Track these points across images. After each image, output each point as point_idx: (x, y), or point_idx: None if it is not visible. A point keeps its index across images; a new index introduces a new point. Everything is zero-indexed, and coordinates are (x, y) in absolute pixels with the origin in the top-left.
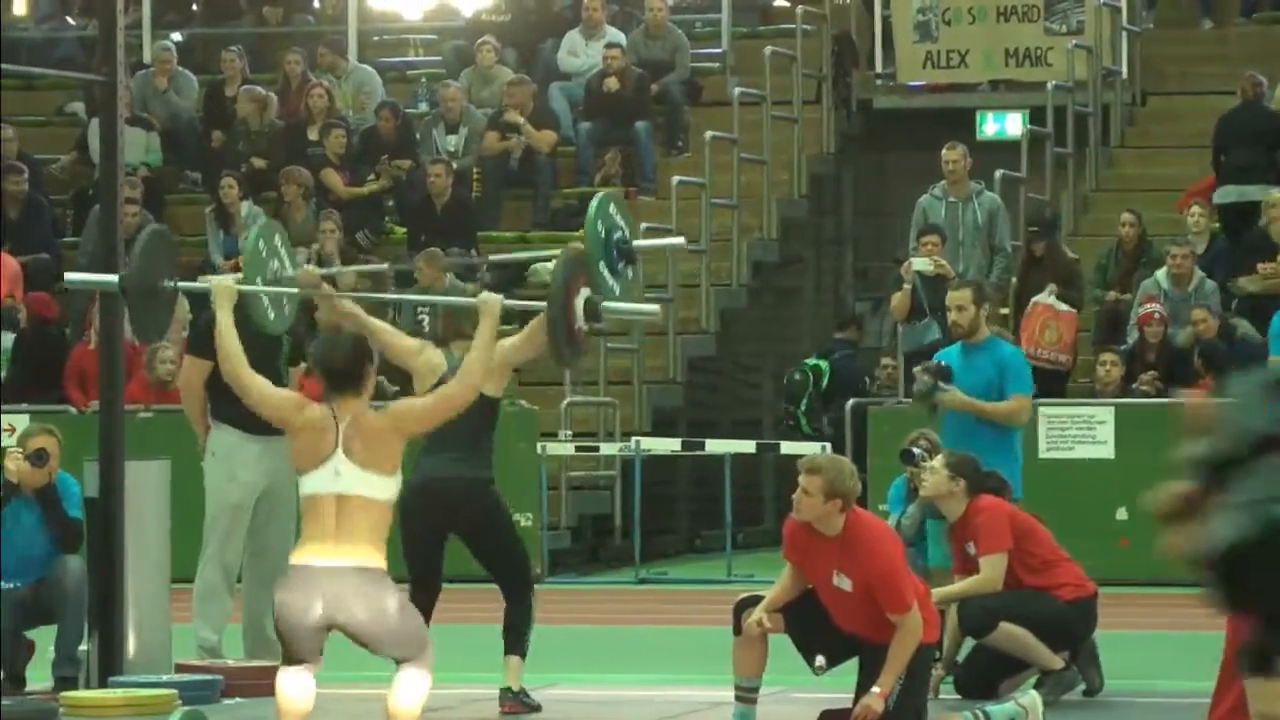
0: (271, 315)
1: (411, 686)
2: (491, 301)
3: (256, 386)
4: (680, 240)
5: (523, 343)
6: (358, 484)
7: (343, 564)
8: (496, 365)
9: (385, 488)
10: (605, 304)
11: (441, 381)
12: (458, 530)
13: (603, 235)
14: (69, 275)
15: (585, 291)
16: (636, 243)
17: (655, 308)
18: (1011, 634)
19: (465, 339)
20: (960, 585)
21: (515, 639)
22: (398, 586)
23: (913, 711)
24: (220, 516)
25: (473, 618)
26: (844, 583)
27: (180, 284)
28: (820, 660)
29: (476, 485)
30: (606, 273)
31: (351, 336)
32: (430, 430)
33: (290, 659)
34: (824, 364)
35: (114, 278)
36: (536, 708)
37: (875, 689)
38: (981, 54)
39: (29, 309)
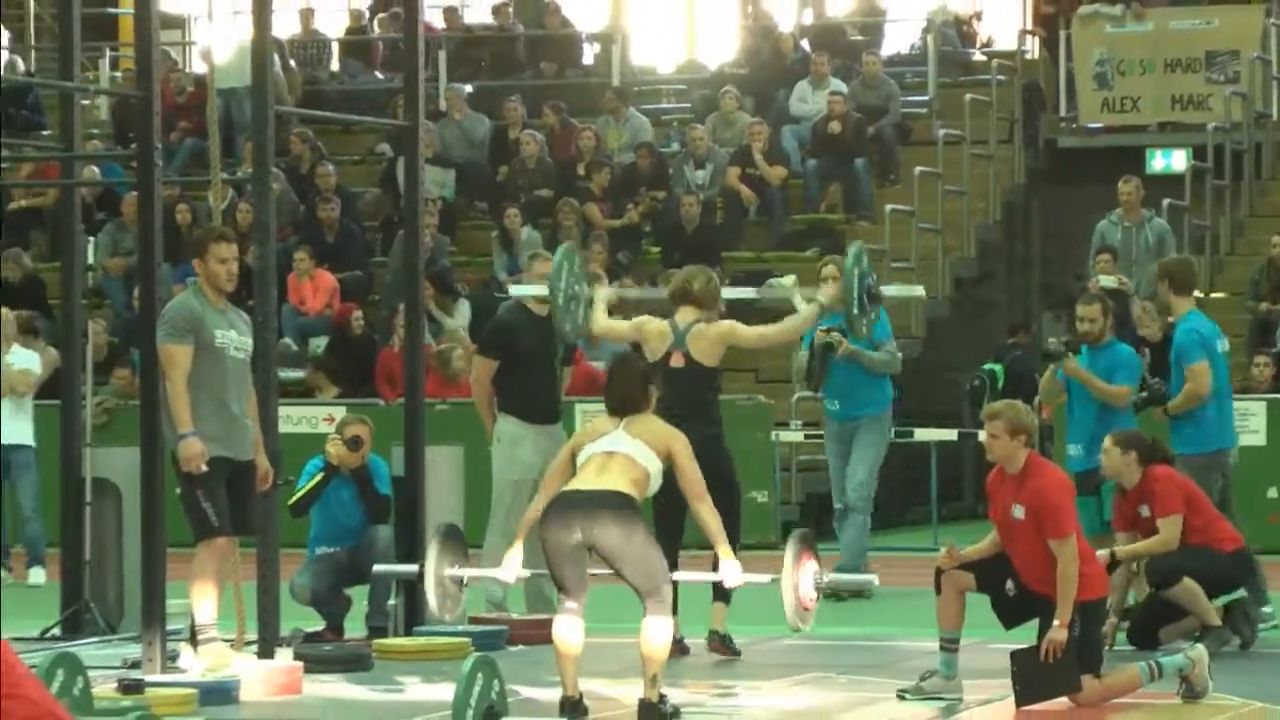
0: (568, 326)
1: (658, 630)
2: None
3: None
4: (920, 290)
5: (758, 340)
6: (628, 448)
7: (601, 489)
8: (724, 345)
9: (651, 460)
10: (829, 579)
11: (668, 355)
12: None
13: (856, 279)
14: (374, 571)
15: (812, 564)
16: (884, 288)
17: (874, 580)
18: (1189, 588)
19: (691, 304)
20: (1145, 544)
21: (722, 586)
22: (643, 523)
23: (1091, 658)
24: (504, 492)
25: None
26: (1018, 511)
27: (467, 572)
28: (1010, 586)
29: (708, 441)
30: (857, 310)
31: (640, 368)
32: (670, 397)
33: (560, 588)
34: (998, 368)
35: (413, 569)
36: (738, 653)
37: (1055, 622)
38: (1151, 100)
39: (344, 319)
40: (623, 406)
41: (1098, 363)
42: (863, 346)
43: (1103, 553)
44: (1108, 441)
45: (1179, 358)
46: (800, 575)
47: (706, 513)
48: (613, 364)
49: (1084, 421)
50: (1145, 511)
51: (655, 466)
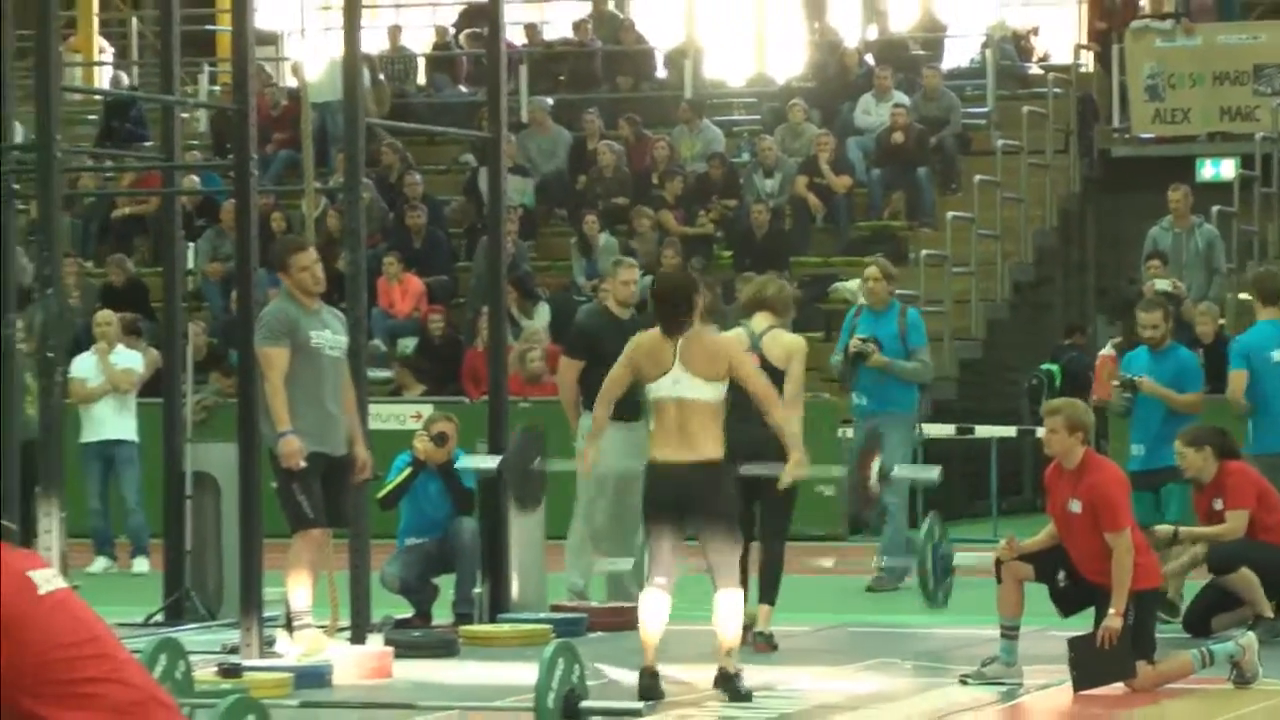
0: None
1: (730, 606)
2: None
3: (612, 373)
4: (934, 472)
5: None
6: (693, 389)
7: (690, 461)
8: (792, 358)
9: (716, 391)
10: (896, 471)
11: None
12: (759, 481)
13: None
14: (459, 464)
15: (879, 460)
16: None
17: (936, 473)
18: (1246, 577)
19: (766, 310)
20: (1210, 529)
21: (768, 587)
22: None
23: (1145, 645)
24: (588, 486)
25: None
26: (1075, 506)
27: (548, 467)
28: (1062, 576)
29: (774, 440)
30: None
31: (683, 273)
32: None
33: (654, 556)
34: (1055, 367)
35: (494, 462)
36: (775, 647)
37: (1111, 610)
38: (1200, 111)
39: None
40: (672, 326)
41: (1162, 368)
42: (896, 354)
43: (1166, 527)
44: (1178, 443)
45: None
46: (868, 468)
47: (780, 417)
48: (657, 282)
49: (1149, 422)
50: (1219, 505)
51: (720, 391)
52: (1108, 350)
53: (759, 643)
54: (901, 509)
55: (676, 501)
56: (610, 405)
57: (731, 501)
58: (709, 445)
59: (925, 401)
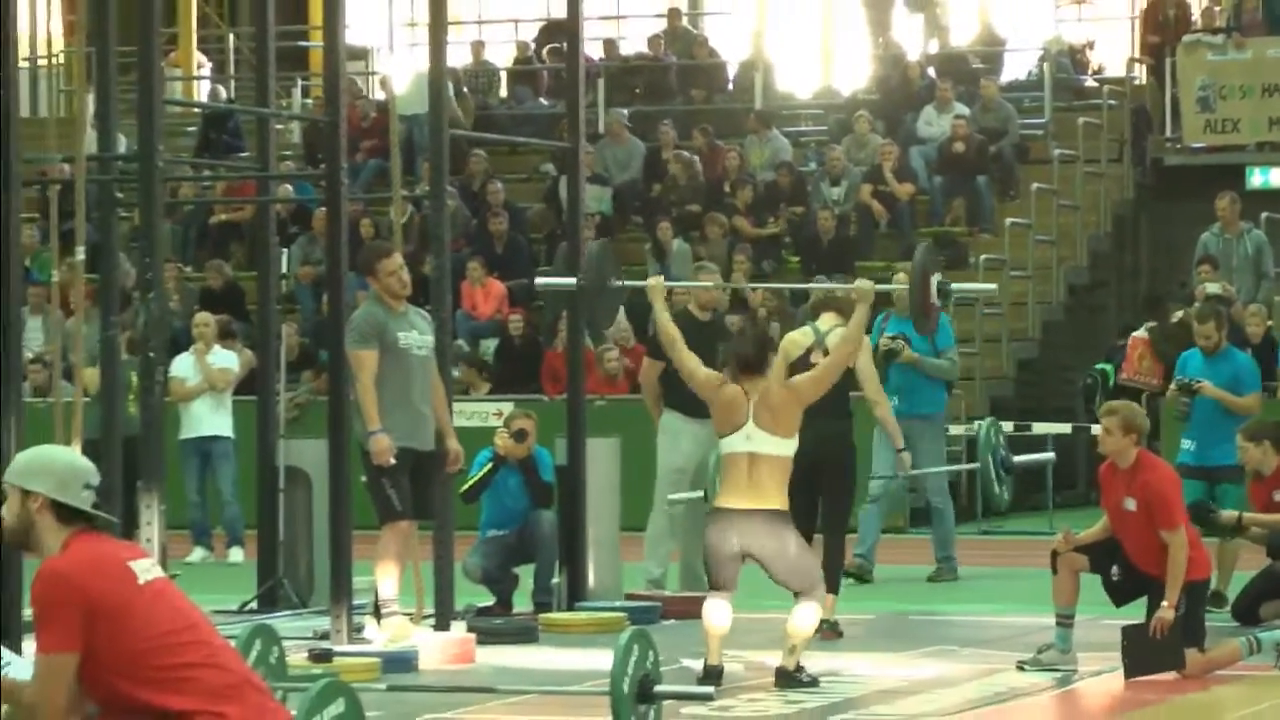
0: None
1: (805, 614)
2: (865, 288)
3: (689, 364)
4: (993, 286)
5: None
6: (765, 445)
7: (754, 508)
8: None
9: (787, 447)
10: (953, 285)
11: (809, 351)
12: (824, 474)
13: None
14: (539, 281)
15: (937, 275)
16: (955, 285)
17: (993, 286)
18: None
19: (833, 310)
20: (1273, 516)
21: (831, 577)
22: (795, 531)
23: (1195, 634)
24: (666, 478)
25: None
26: (1130, 504)
27: (624, 283)
28: (1115, 570)
29: (838, 435)
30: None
31: (758, 331)
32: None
33: (714, 585)
34: (1109, 367)
35: (572, 280)
36: (841, 634)
37: (1164, 603)
38: (1250, 121)
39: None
40: (744, 370)
41: (1218, 371)
42: (925, 353)
43: (1231, 513)
44: (1240, 438)
45: None
46: (928, 284)
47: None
48: (737, 332)
49: (1202, 421)
50: (1279, 496)
51: (790, 448)
52: (1140, 333)
53: (825, 630)
54: (948, 506)
55: (740, 547)
56: (683, 343)
57: (798, 542)
58: (775, 497)
59: (986, 399)
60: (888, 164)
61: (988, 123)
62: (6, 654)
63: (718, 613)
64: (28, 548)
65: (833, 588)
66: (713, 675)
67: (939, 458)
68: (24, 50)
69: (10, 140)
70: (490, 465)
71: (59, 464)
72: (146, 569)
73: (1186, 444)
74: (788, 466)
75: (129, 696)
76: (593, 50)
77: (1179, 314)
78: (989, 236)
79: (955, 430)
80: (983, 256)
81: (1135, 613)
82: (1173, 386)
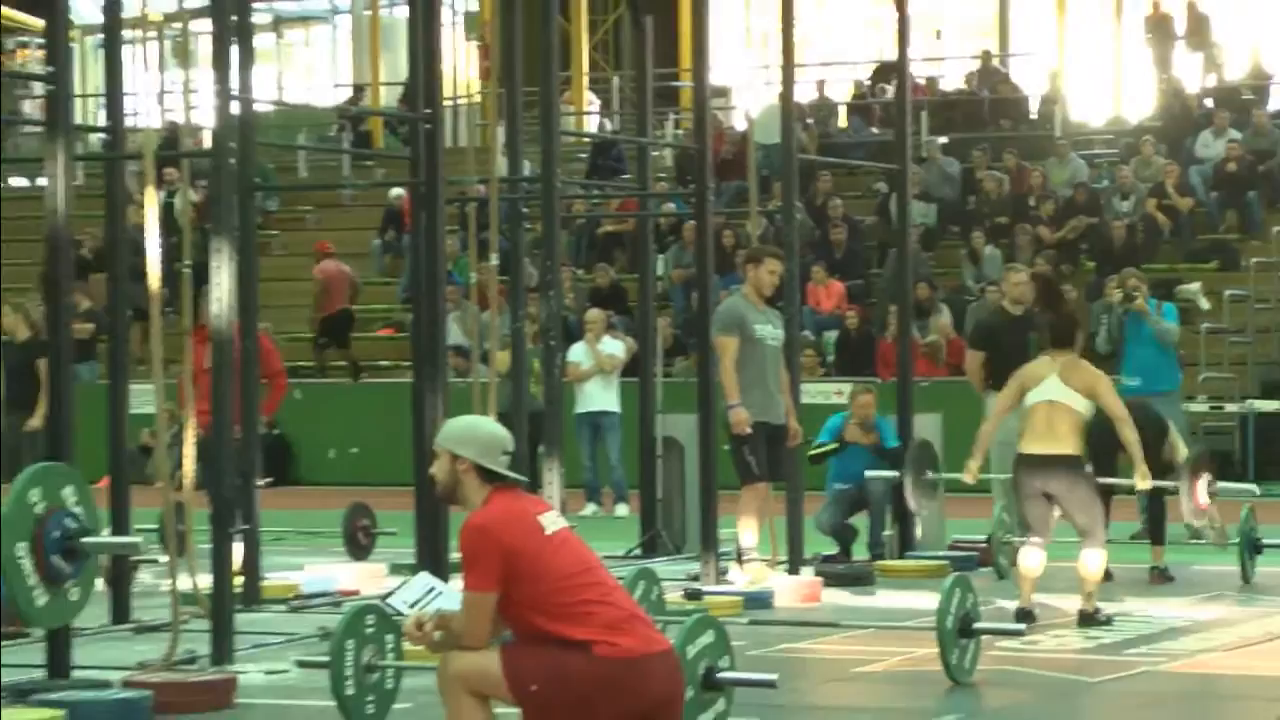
0: None
1: (1092, 559)
2: (1144, 486)
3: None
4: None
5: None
6: (1064, 396)
7: (1051, 453)
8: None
9: (1083, 404)
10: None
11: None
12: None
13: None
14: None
15: (1206, 477)
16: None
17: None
18: None
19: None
20: None
21: (1155, 529)
22: (1091, 476)
23: None
24: (991, 451)
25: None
26: None
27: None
28: None
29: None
30: None
31: (1069, 309)
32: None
33: (1026, 527)
34: None
35: (894, 472)
36: (1171, 579)
37: None
38: None
39: (849, 316)
40: (1057, 341)
41: None
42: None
43: None
44: None
45: None
46: (1196, 485)
47: (1129, 434)
48: (1054, 311)
49: None
50: None
51: (1086, 406)
52: None
53: (1154, 575)
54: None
55: (1044, 484)
56: (998, 424)
57: (1090, 481)
58: (1071, 443)
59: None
60: (1170, 181)
61: (1258, 145)
62: (438, 583)
63: (1031, 557)
64: (455, 501)
65: (1158, 539)
66: (1024, 617)
67: (1182, 427)
68: (448, 91)
69: (438, 166)
70: (835, 445)
71: (484, 433)
72: (552, 521)
73: None
74: (1082, 422)
75: (539, 627)
76: (917, 86)
77: None
78: (1258, 242)
79: (1231, 408)
80: (1253, 260)
81: None
82: None
